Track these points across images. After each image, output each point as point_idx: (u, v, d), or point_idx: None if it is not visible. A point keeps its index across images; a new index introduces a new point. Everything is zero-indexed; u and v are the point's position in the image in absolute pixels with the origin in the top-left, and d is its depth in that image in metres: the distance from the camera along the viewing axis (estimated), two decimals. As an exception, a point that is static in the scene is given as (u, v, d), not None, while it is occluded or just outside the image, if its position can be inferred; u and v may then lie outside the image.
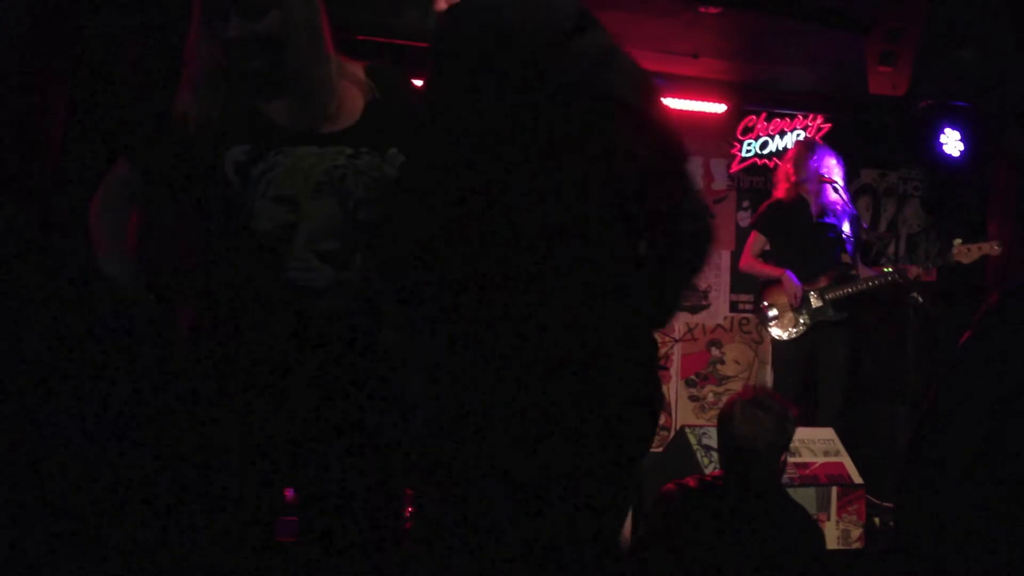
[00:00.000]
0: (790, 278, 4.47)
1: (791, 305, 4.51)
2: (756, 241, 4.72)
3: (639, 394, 1.56)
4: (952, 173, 5.70)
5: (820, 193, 4.59)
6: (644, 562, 2.21)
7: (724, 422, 2.35)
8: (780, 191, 4.74)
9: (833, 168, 4.61)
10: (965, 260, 4.33)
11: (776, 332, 4.61)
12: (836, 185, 4.54)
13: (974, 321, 1.35)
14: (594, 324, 1.47)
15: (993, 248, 4.31)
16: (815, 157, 4.61)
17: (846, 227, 4.65)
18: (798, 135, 5.80)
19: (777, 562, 2.09)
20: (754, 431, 2.23)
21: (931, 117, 5.56)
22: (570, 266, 1.47)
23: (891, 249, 6.07)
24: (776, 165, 5.75)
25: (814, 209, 4.60)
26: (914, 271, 4.43)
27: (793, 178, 4.65)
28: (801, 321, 4.50)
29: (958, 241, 4.42)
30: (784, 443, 2.34)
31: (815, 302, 4.49)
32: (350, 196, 1.85)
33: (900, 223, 6.12)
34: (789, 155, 4.91)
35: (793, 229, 4.59)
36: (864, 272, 4.71)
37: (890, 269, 4.50)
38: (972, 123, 5.48)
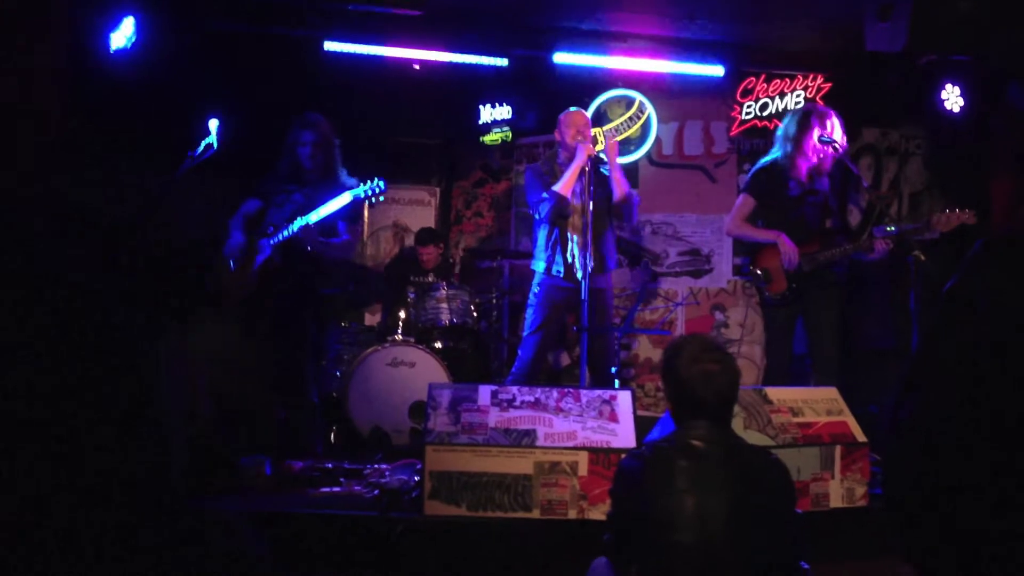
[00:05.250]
0: (785, 241, 4.45)
1: (783, 268, 4.50)
2: (745, 204, 4.68)
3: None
4: (954, 130, 5.64)
5: (817, 158, 4.52)
6: (616, 536, 2.18)
7: (672, 375, 2.22)
8: (778, 152, 4.67)
9: (836, 129, 4.53)
10: (944, 228, 4.26)
11: (767, 296, 4.61)
12: (836, 145, 4.47)
13: (958, 268, 1.36)
14: None
15: (970, 216, 4.25)
16: (815, 121, 4.52)
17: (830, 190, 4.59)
18: (798, 96, 5.75)
19: (743, 507, 2.02)
20: (706, 386, 2.13)
21: (932, 73, 5.50)
22: None
23: (893, 209, 6.04)
24: (776, 127, 5.73)
25: (805, 175, 4.55)
26: (944, 218, 4.24)
27: (791, 142, 4.57)
28: (792, 285, 4.49)
29: (936, 212, 4.37)
30: (736, 392, 2.24)
31: (805, 266, 4.47)
32: None
33: (902, 182, 6.08)
34: (790, 118, 4.80)
35: (782, 194, 4.56)
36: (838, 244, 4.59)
37: (892, 228, 4.43)
38: (973, 78, 5.41)
